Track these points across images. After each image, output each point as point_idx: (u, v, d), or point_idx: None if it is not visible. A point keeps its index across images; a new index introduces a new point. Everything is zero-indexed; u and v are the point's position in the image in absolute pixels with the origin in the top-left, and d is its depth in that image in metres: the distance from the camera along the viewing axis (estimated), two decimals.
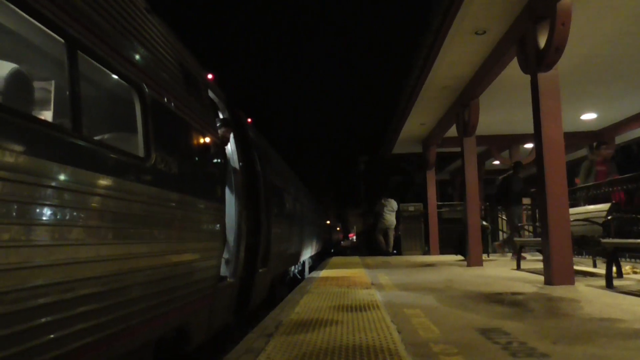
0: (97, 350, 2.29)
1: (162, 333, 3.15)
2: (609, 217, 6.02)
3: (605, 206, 6.41)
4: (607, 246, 5.46)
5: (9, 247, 1.73)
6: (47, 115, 2.55)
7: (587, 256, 8.57)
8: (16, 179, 1.76)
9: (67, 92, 2.18)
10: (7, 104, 2.02)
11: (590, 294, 4.93)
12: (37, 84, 2.52)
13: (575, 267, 5.98)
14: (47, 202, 1.93)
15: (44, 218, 1.92)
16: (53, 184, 1.97)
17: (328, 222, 33.89)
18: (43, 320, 1.90)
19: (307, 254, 13.61)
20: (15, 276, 1.76)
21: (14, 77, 2.20)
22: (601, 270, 6.68)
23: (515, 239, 9.65)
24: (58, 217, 1.99)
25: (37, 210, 1.89)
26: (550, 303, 4.47)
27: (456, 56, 7.63)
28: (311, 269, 14.01)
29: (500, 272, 7.72)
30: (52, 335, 1.95)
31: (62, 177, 2.02)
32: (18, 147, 1.78)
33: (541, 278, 6.03)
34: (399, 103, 11.30)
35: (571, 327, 3.38)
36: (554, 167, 5.75)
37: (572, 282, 5.55)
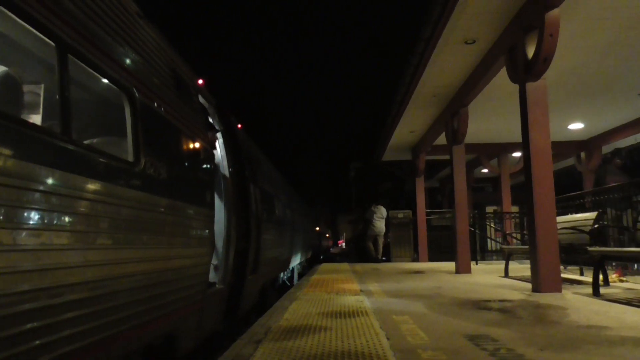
0: (83, 357, 2.26)
1: (150, 339, 3.12)
2: (596, 226, 6.09)
3: (592, 214, 6.48)
4: (594, 254, 5.52)
5: None
6: (37, 118, 2.53)
7: (572, 266, 8.63)
8: (3, 183, 1.74)
9: (57, 96, 2.16)
10: None
11: (577, 301, 4.97)
12: (26, 87, 2.51)
13: (562, 275, 6.02)
14: (34, 206, 1.92)
15: (31, 222, 1.90)
16: (41, 187, 1.95)
17: (318, 228, 33.86)
18: (28, 325, 1.88)
19: (296, 260, 13.59)
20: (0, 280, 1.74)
21: (2, 79, 2.18)
22: (588, 278, 6.74)
23: (503, 246, 9.70)
24: (45, 221, 1.98)
25: (24, 214, 1.87)
26: (537, 310, 4.50)
27: (446, 65, 7.70)
28: (300, 276, 13.98)
29: (488, 279, 7.76)
30: (37, 341, 1.93)
31: (50, 181, 2.00)
32: (6, 150, 1.77)
33: (529, 285, 6.07)
34: (390, 110, 11.36)
35: (558, 334, 3.41)
36: (541, 175, 5.81)
37: (559, 290, 5.60)
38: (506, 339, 3.21)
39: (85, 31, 2.38)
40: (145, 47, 3.27)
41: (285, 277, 11.79)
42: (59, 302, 2.05)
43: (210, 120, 4.95)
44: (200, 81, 4.85)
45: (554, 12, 5.35)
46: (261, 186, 7.13)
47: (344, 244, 46.17)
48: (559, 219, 6.50)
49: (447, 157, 10.04)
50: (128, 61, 2.89)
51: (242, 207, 5.63)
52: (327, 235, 49.88)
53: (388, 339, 3.32)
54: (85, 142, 2.62)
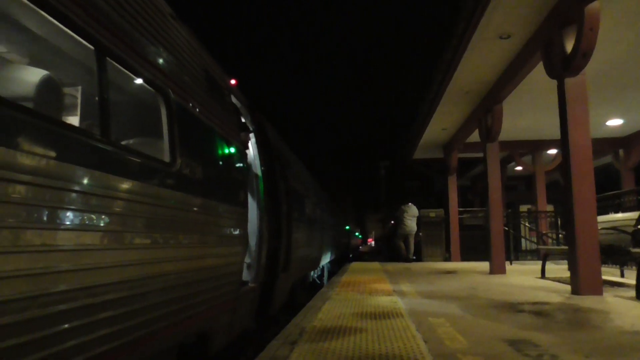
0: (120, 355, 2.28)
1: (184, 338, 3.14)
2: (639, 226, 5.85)
3: (634, 214, 6.24)
4: (637, 256, 5.31)
5: (39, 251, 1.73)
6: (77, 120, 2.56)
7: (614, 265, 8.36)
8: (46, 184, 1.77)
9: (96, 98, 2.19)
10: (38, 109, 2.03)
11: (619, 305, 4.79)
12: (67, 90, 2.54)
13: (603, 277, 5.82)
14: (75, 207, 1.93)
15: (72, 222, 1.91)
16: (81, 188, 1.97)
17: (347, 227, 33.74)
18: (68, 325, 1.90)
19: (326, 259, 13.56)
20: (42, 280, 1.76)
21: (45, 83, 2.22)
22: (629, 280, 6.50)
23: (540, 246, 9.46)
24: (86, 221, 1.99)
25: (66, 214, 1.89)
26: (578, 314, 4.35)
27: (480, 60, 7.54)
28: (330, 274, 13.95)
29: (524, 280, 7.57)
30: (77, 340, 1.95)
31: (90, 181, 2.02)
32: (49, 152, 1.79)
33: (567, 287, 5.89)
34: (421, 107, 11.22)
35: (603, 340, 3.28)
36: (581, 174, 5.62)
37: (600, 293, 5.41)
38: (548, 345, 3.10)
39: (122, 34, 2.40)
40: (179, 49, 3.29)
41: (315, 275, 11.78)
42: (97, 302, 2.07)
43: (243, 119, 4.96)
44: (233, 81, 4.87)
45: (594, 5, 5.16)
46: (292, 185, 7.13)
47: (373, 243, 45.98)
48: (599, 218, 6.28)
49: (479, 155, 9.84)
50: (163, 63, 2.90)
51: (273, 206, 5.63)
52: (357, 233, 49.70)
53: (425, 342, 3.25)
54: (124, 143, 2.65)
